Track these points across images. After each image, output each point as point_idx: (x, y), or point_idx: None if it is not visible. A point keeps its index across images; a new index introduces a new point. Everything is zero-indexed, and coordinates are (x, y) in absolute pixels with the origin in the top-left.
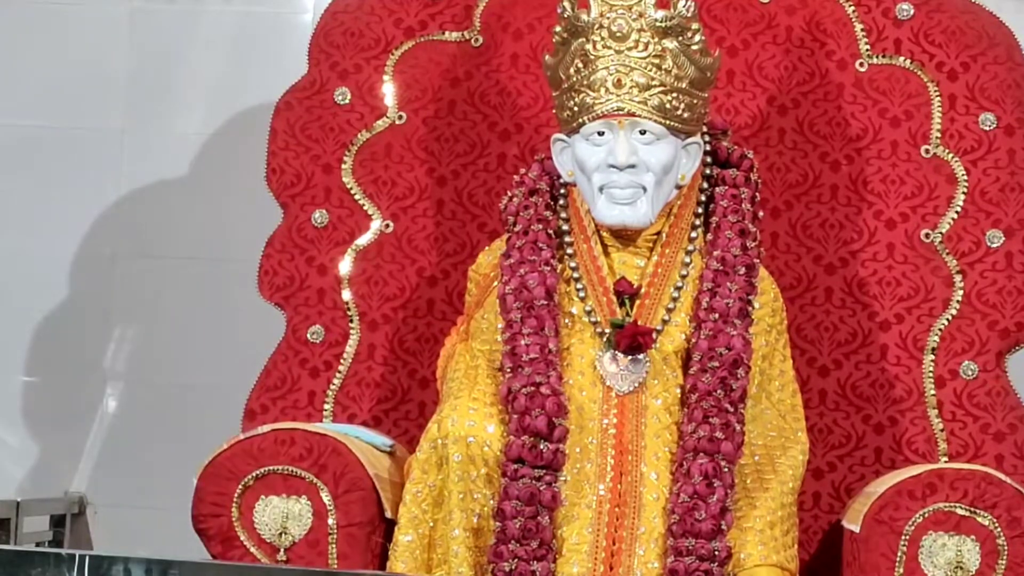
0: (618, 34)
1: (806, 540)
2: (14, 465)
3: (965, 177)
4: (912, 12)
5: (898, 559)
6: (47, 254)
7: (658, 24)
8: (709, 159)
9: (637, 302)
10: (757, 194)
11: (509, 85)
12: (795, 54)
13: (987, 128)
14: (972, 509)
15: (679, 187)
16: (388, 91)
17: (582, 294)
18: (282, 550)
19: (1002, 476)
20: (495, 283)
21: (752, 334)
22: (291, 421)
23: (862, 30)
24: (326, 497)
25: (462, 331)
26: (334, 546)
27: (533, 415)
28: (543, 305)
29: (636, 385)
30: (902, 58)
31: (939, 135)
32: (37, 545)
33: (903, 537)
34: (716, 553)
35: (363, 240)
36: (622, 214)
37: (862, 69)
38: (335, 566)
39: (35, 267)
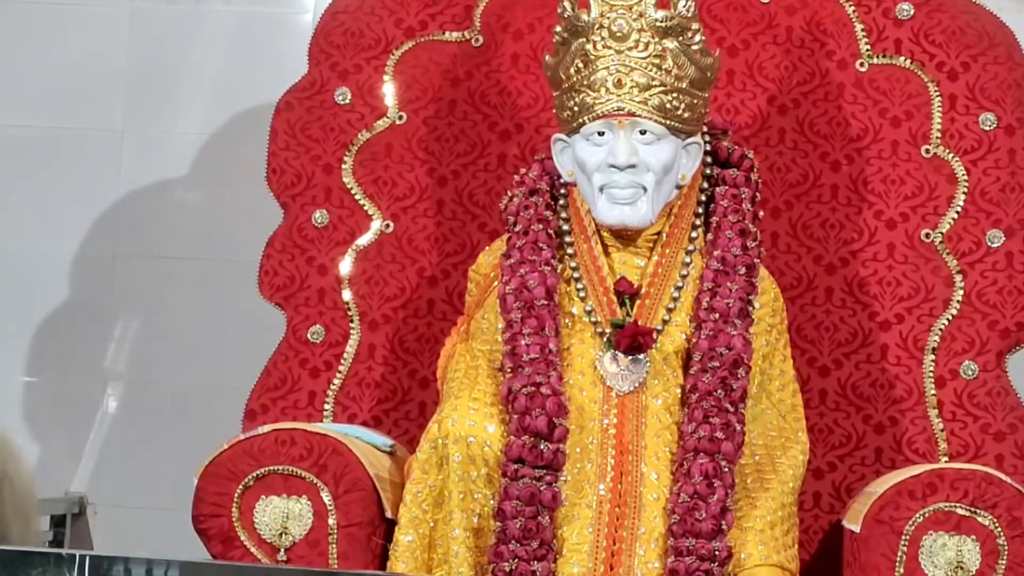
0: (618, 34)
1: (806, 540)
2: None
3: (965, 177)
4: (912, 12)
5: (898, 559)
6: (47, 254)
7: (658, 24)
8: (709, 159)
9: (637, 302)
10: (757, 194)
11: (509, 85)
12: (795, 54)
13: (987, 128)
14: (972, 509)
15: (679, 187)
16: (388, 91)
17: (582, 294)
18: (282, 550)
19: (1002, 476)
20: (495, 283)
21: (752, 334)
22: (291, 421)
23: (862, 30)
24: (326, 497)
25: (462, 331)
26: (334, 546)
27: (533, 415)
28: (543, 305)
29: (636, 385)
30: (902, 58)
31: (939, 135)
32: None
33: (903, 537)
34: (716, 553)
35: (363, 240)
36: (622, 214)
37: (862, 69)
38: (335, 566)
39: (35, 267)
